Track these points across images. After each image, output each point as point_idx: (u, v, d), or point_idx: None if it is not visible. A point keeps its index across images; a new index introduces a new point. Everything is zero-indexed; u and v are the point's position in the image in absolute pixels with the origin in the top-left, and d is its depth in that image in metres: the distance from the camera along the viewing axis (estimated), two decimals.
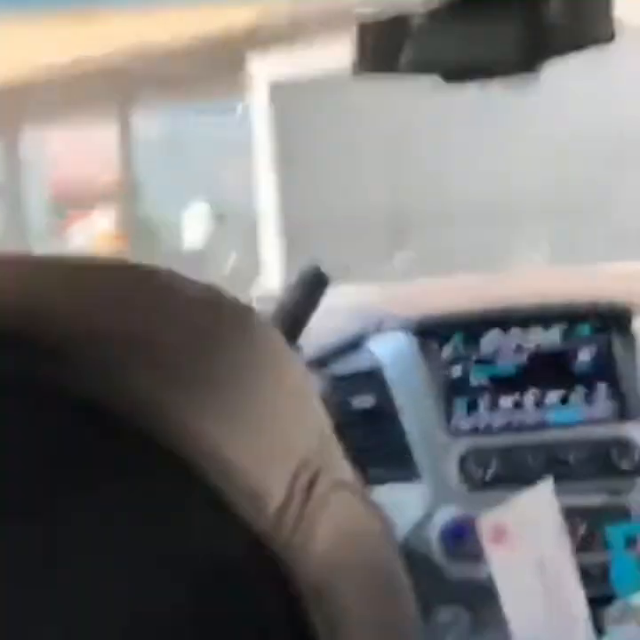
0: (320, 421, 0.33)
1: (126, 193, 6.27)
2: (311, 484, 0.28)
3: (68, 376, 0.24)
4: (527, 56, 1.00)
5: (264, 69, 5.52)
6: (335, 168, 5.35)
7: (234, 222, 6.54)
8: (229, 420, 0.26)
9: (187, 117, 6.66)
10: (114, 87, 5.88)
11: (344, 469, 0.32)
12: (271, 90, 5.56)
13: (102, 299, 0.27)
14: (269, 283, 6.01)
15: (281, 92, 5.49)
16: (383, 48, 1.06)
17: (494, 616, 0.93)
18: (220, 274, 6.35)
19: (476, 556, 1.03)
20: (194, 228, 6.34)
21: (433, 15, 1.09)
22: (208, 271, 6.27)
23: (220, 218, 6.39)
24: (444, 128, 4.41)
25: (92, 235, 6.20)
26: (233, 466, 0.25)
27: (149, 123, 6.62)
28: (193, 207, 6.31)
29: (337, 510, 0.29)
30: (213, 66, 5.82)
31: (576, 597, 0.90)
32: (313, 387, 0.34)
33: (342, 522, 0.29)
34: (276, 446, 0.28)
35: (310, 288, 1.08)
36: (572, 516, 1.02)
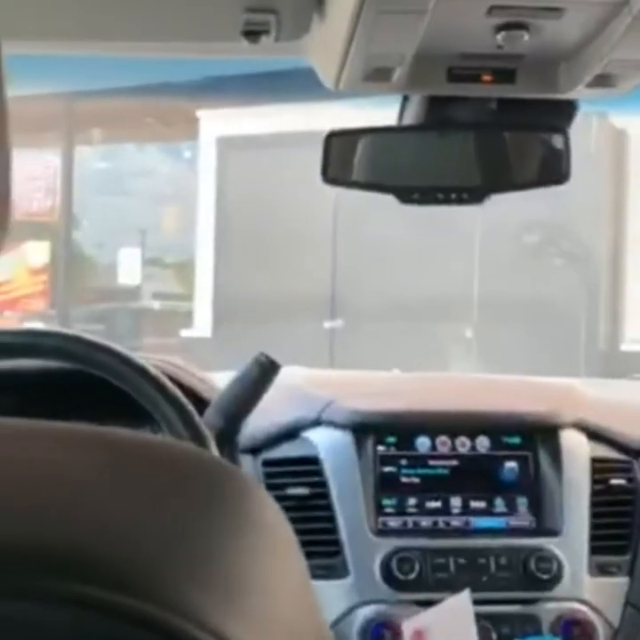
0: (310, 593, 0.35)
1: (64, 226, 6.21)
2: None
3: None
4: (482, 186, 1.06)
5: (212, 122, 5.58)
6: (276, 229, 5.40)
7: (167, 265, 6.54)
8: (237, 609, 0.28)
9: (131, 155, 6.65)
10: (60, 113, 5.84)
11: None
12: (219, 143, 5.63)
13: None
14: (198, 325, 6.02)
15: (228, 148, 5.56)
16: (344, 161, 1.10)
17: None
18: (150, 310, 6.33)
19: None
20: (127, 267, 6.31)
21: (399, 134, 1.14)
22: (140, 306, 6.25)
23: (154, 260, 6.39)
24: (388, 215, 4.53)
25: (20, 266, 6.10)
26: None
27: (93, 156, 6.59)
28: (128, 247, 6.29)
29: None
30: (164, 108, 5.85)
31: None
32: (297, 550, 0.36)
33: None
34: (280, 631, 0.30)
35: (259, 377, 1.11)
36: (485, 623, 1.06)
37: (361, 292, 5.27)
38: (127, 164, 6.60)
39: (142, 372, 0.97)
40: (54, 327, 1.04)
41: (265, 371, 1.11)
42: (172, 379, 1.03)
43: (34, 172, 6.01)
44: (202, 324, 6.02)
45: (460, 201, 1.04)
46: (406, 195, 1.09)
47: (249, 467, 1.19)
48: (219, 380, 1.22)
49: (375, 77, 0.97)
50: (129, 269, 6.39)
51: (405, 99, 1.15)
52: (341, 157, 1.09)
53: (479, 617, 1.01)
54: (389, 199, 1.12)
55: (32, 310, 6.13)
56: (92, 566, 0.26)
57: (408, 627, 0.98)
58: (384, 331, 5.05)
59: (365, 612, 1.12)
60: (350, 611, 1.12)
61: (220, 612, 0.27)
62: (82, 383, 1.06)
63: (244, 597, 0.29)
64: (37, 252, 6.17)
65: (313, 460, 1.19)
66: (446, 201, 1.04)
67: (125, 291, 6.37)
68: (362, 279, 5.30)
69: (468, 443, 1.20)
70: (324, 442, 1.20)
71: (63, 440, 0.33)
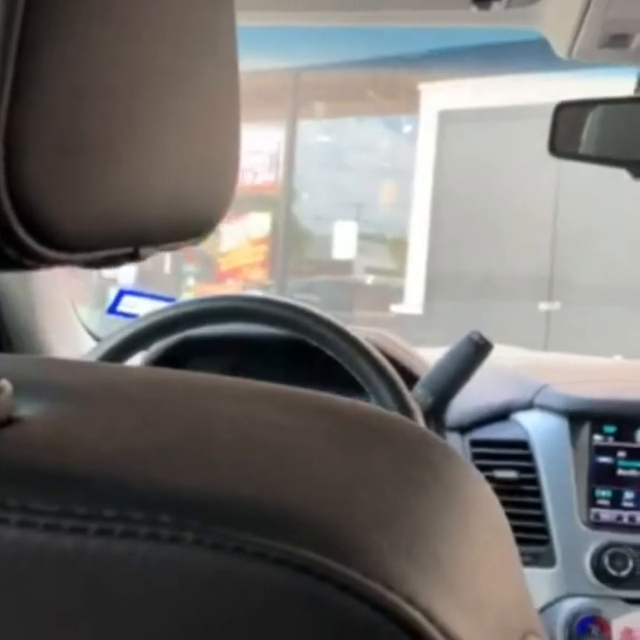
0: (519, 575, 0.34)
1: (285, 199, 6.40)
2: None
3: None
4: None
5: (435, 95, 5.54)
6: (493, 205, 5.30)
7: (382, 239, 6.60)
8: (447, 585, 0.27)
9: (351, 129, 6.74)
10: (285, 87, 6.01)
11: (542, 631, 0.33)
12: (440, 117, 5.58)
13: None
14: (409, 302, 6.03)
15: (449, 121, 5.50)
16: (574, 133, 1.05)
17: None
18: (362, 284, 6.43)
19: None
20: (342, 240, 6.42)
21: (630, 105, 1.07)
22: (352, 280, 6.36)
23: (368, 235, 6.47)
24: (613, 194, 4.29)
25: (243, 236, 6.36)
26: (457, 639, 0.25)
27: (315, 130, 6.73)
28: (343, 221, 6.40)
29: None
30: (386, 82, 5.87)
31: None
32: (508, 532, 0.35)
33: None
34: (488, 610, 0.28)
35: (471, 355, 1.09)
36: None
37: (581, 274, 5.06)
38: (347, 138, 6.69)
39: (355, 343, 0.98)
40: (274, 296, 1.07)
41: (477, 349, 1.09)
42: (384, 353, 1.04)
43: (259, 145, 6.23)
44: (413, 301, 6.03)
45: None
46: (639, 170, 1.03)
47: (456, 445, 1.18)
48: (429, 356, 1.21)
49: (612, 45, 0.92)
50: (343, 243, 6.50)
51: None
52: (571, 129, 1.04)
53: None
54: (616, 177, 1.05)
55: (252, 280, 6.39)
56: (307, 529, 0.26)
57: (618, 624, 0.93)
58: (605, 317, 4.82)
59: (572, 605, 1.08)
60: (556, 601, 1.09)
61: (430, 588, 0.26)
62: (294, 351, 1.09)
63: (454, 575, 0.28)
64: (259, 224, 6.41)
65: (523, 444, 1.16)
66: None
67: (339, 264, 6.49)
68: (583, 260, 5.09)
69: None
70: (536, 426, 1.17)
71: (286, 403, 0.33)
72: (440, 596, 0.26)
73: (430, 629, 0.25)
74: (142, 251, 0.30)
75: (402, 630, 0.25)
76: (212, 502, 0.26)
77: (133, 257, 0.30)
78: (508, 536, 0.34)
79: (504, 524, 0.34)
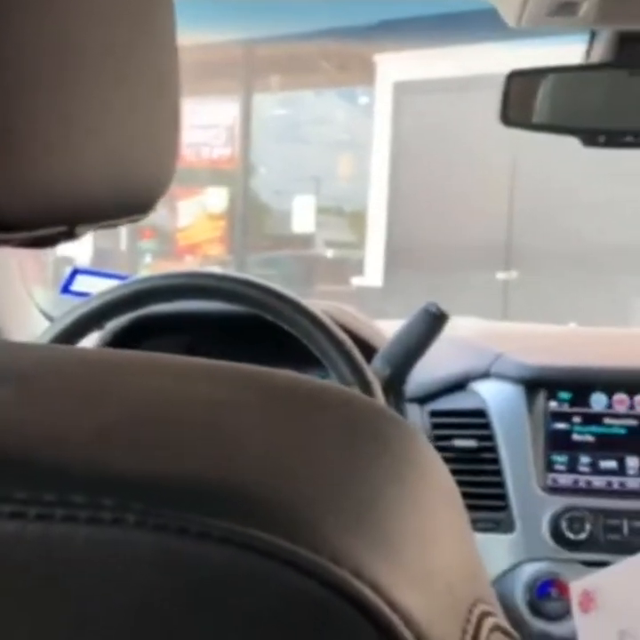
0: (470, 544, 0.34)
1: (242, 174, 6.35)
2: (478, 627, 0.29)
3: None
4: None
5: (390, 67, 5.52)
6: (451, 176, 5.32)
7: (341, 212, 6.59)
8: (395, 558, 0.27)
9: (308, 102, 6.69)
10: (240, 60, 5.94)
11: (492, 599, 0.33)
12: (395, 88, 5.57)
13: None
14: (370, 274, 6.05)
15: (405, 92, 5.49)
16: (526, 102, 1.05)
17: None
18: (323, 257, 6.42)
19: (559, 614, 1.05)
20: (302, 215, 6.40)
21: (581, 73, 1.08)
22: (313, 253, 6.35)
23: (327, 208, 6.45)
24: (568, 162, 4.32)
25: (200, 212, 6.30)
26: (405, 611, 0.25)
27: (271, 104, 6.68)
28: (302, 195, 6.38)
29: None
30: (341, 54, 5.84)
31: None
32: (459, 500, 0.35)
33: None
34: (437, 581, 0.29)
35: (427, 326, 1.10)
36: None
37: (538, 242, 5.11)
38: (303, 111, 6.65)
39: (312, 318, 0.97)
40: (230, 272, 1.07)
41: (434, 320, 1.09)
42: (341, 325, 1.04)
43: (214, 119, 6.17)
44: (373, 273, 6.04)
45: None
46: (591, 137, 1.03)
47: (416, 416, 1.19)
48: (388, 328, 1.21)
49: (560, 12, 0.92)
50: (303, 217, 6.48)
51: (593, 35, 1.08)
52: (523, 98, 1.04)
53: None
54: (571, 145, 1.06)
55: (211, 256, 6.35)
56: (251, 506, 0.26)
57: (576, 586, 0.94)
58: (562, 284, 4.88)
59: (532, 569, 1.10)
60: (516, 566, 1.11)
61: (378, 561, 0.26)
62: (252, 327, 1.08)
63: (402, 547, 0.28)
64: (217, 199, 6.36)
65: (481, 413, 1.17)
66: (636, 144, 0.98)
67: (298, 238, 6.48)
68: (539, 229, 5.14)
69: None
70: (493, 395, 1.18)
71: (233, 380, 0.33)
72: (388, 569, 0.26)
73: (378, 603, 0.25)
74: (78, 229, 0.29)
75: (350, 604, 0.25)
76: (154, 483, 0.25)
77: (69, 235, 0.29)
78: (459, 505, 0.34)
79: (455, 494, 0.34)
